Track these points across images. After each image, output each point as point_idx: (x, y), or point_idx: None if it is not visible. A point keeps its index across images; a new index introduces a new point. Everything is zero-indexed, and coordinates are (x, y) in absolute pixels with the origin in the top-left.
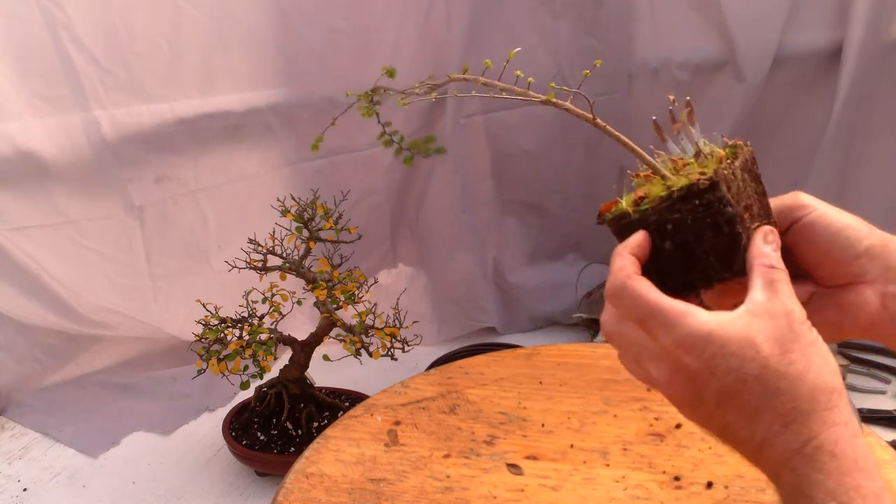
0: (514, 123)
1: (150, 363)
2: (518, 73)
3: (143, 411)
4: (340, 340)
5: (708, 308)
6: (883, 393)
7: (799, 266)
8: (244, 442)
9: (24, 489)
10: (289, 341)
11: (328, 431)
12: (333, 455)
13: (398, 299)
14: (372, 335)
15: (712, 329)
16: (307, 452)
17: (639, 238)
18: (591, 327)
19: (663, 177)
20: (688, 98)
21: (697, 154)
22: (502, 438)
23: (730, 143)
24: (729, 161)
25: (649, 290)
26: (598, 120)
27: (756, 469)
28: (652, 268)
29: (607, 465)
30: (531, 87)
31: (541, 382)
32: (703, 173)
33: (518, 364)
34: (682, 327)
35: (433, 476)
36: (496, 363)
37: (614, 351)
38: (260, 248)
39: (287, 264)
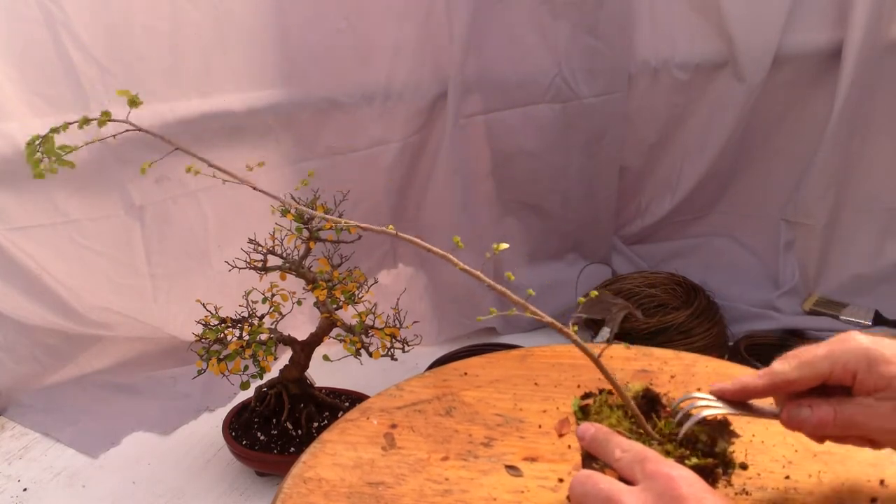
0: (514, 123)
1: (150, 363)
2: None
3: (143, 411)
4: (340, 340)
5: None
6: None
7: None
8: (244, 442)
9: (24, 489)
10: (289, 341)
11: (325, 435)
12: (331, 459)
13: (398, 299)
14: (372, 335)
15: None
16: (304, 457)
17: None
18: (590, 327)
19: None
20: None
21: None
22: (500, 440)
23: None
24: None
25: None
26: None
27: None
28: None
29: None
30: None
31: (536, 384)
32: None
33: (512, 365)
34: None
35: (432, 479)
36: (491, 365)
37: (611, 352)
38: (260, 248)
39: (287, 264)
